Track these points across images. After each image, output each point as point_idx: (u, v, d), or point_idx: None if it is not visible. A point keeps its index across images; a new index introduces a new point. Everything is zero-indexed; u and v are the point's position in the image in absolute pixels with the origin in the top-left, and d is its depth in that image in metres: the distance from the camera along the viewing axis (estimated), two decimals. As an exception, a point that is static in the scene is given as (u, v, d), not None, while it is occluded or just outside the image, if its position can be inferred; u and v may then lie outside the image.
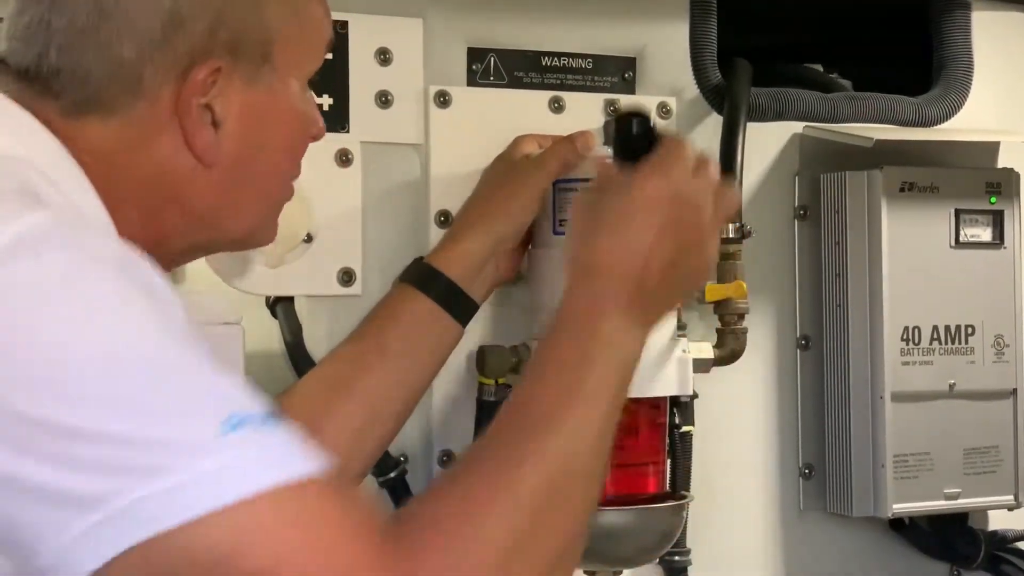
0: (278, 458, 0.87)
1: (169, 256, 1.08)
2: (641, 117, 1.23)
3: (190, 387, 0.87)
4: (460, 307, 1.42)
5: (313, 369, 1.42)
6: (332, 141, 1.51)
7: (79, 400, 0.84)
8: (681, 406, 1.58)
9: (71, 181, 1.00)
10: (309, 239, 1.49)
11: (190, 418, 0.86)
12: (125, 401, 0.84)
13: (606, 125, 1.48)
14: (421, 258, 1.46)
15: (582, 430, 1.05)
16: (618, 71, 1.66)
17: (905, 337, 1.68)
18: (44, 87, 1.02)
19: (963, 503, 1.71)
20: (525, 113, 1.60)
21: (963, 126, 1.81)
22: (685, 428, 1.60)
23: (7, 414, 0.83)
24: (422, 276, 1.42)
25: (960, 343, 1.71)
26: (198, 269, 1.43)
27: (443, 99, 1.57)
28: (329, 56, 1.50)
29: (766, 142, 1.73)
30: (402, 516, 0.97)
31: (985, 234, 1.72)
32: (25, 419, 0.83)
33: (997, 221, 1.73)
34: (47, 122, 1.01)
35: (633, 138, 1.21)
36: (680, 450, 1.59)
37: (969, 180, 1.72)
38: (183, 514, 0.83)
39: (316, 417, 1.32)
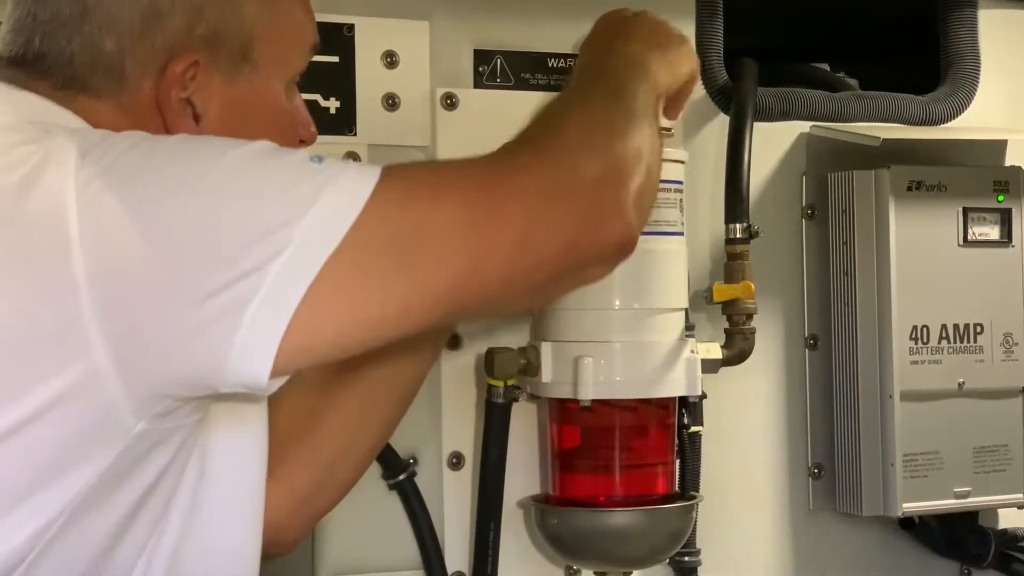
0: (362, 165, 1.03)
1: None
2: None
3: (276, 159, 1.01)
4: None
5: None
6: (339, 144, 1.52)
7: (207, 210, 0.97)
8: (690, 407, 1.58)
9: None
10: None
11: (296, 172, 1.00)
12: (245, 192, 0.98)
13: None
14: None
15: (628, 99, 1.21)
16: (624, 72, 1.66)
17: (914, 336, 1.67)
18: (32, 70, 1.09)
19: (973, 502, 1.71)
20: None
21: (970, 124, 1.81)
22: (694, 428, 1.60)
23: (174, 265, 0.96)
24: None
25: (969, 342, 1.70)
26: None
27: (450, 101, 1.57)
28: (335, 59, 1.52)
29: (773, 142, 1.73)
30: (494, 154, 1.11)
31: (993, 232, 1.72)
32: (180, 263, 0.96)
33: (1005, 219, 1.72)
34: (45, 96, 1.08)
35: None
36: (689, 450, 1.59)
37: (977, 179, 1.72)
38: (343, 223, 0.98)
39: (319, 405, 1.35)
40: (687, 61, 1.35)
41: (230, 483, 1.12)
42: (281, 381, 1.02)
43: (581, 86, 1.25)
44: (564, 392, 1.49)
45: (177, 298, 0.96)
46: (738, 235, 1.61)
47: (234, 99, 1.12)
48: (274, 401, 1.34)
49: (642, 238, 1.47)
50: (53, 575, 1.00)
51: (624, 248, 1.11)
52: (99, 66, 1.08)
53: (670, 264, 1.51)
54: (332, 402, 1.35)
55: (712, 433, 1.63)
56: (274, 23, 1.14)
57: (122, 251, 0.96)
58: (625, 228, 1.10)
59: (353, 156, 1.53)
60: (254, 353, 0.98)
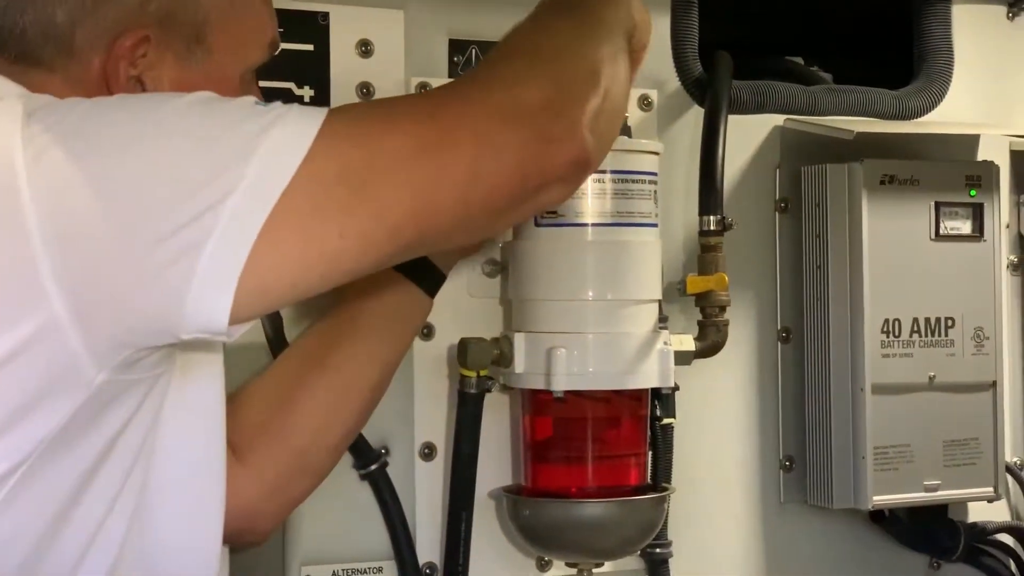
0: (309, 106, 1.03)
1: None
2: None
3: (220, 102, 1.02)
4: (428, 278, 1.42)
5: (289, 346, 1.43)
6: (313, 133, 1.51)
7: (154, 154, 0.98)
8: (662, 398, 1.59)
9: None
10: (290, 231, 1.49)
11: (241, 113, 1.00)
12: (192, 133, 0.98)
13: None
14: None
15: (586, 21, 1.19)
16: (599, 63, 1.65)
17: (885, 329, 1.68)
18: None
19: (943, 495, 1.72)
20: (506, 105, 1.59)
21: (943, 119, 1.82)
22: (666, 420, 1.60)
23: (120, 214, 0.96)
24: None
25: (940, 335, 1.71)
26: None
27: (424, 91, 1.56)
28: (310, 47, 1.51)
29: (747, 134, 1.73)
30: (442, 86, 1.13)
31: (965, 227, 1.73)
32: (129, 208, 0.96)
33: (977, 214, 1.73)
34: None
35: None
36: (662, 442, 1.60)
37: (949, 173, 1.73)
38: (294, 158, 0.97)
39: (291, 390, 1.35)
40: (648, 23, 1.32)
41: (180, 464, 1.11)
42: (243, 328, 1.01)
43: (538, 13, 1.24)
44: (537, 383, 1.49)
45: (130, 244, 0.96)
46: (712, 227, 1.61)
47: (185, 82, 1.11)
48: (245, 388, 1.34)
49: (616, 229, 1.49)
50: (13, 532, 0.99)
51: (580, 168, 1.10)
52: (50, 39, 1.09)
53: (644, 255, 1.51)
54: (304, 388, 1.35)
55: (684, 425, 1.63)
56: (231, 11, 1.15)
57: (72, 201, 0.96)
58: (578, 148, 1.08)
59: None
60: (212, 294, 0.97)
